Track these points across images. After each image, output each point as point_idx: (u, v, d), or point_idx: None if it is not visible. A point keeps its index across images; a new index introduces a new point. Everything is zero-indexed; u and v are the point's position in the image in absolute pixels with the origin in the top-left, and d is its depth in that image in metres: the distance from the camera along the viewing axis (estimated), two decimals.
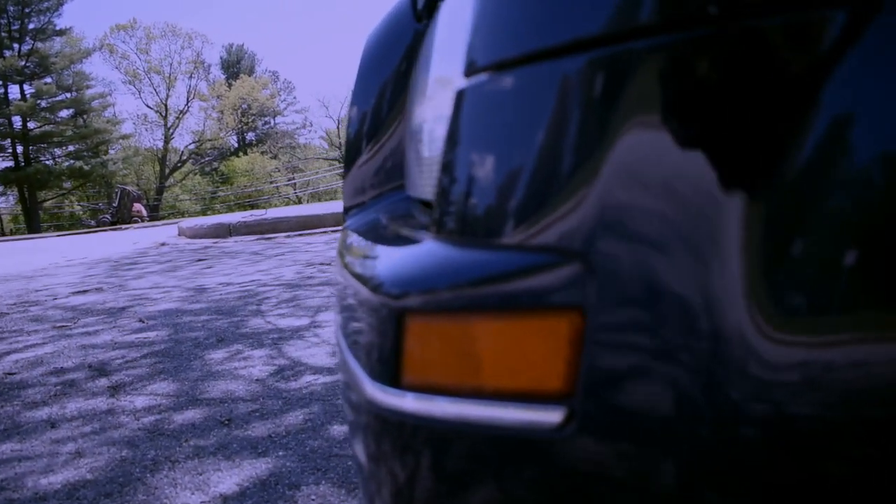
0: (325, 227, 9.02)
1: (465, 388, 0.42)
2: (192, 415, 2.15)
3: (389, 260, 0.51)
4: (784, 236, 0.34)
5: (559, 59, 0.39)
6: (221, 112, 38.14)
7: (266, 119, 41.14)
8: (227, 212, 30.38)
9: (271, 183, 35.93)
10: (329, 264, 5.46)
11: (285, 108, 42.25)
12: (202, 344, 3.08)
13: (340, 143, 40.54)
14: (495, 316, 0.42)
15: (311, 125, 47.99)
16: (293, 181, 37.09)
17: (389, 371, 0.46)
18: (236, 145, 40.74)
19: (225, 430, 2.00)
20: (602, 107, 0.38)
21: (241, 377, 2.52)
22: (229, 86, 38.86)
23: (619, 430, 0.39)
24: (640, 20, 0.37)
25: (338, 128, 41.15)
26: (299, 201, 33.96)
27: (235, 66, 42.08)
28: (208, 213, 32.22)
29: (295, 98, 45.91)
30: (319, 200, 33.45)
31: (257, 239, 8.58)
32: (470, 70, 0.45)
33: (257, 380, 2.47)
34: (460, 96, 0.46)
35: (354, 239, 0.74)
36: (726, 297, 0.35)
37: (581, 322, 0.39)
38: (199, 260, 6.82)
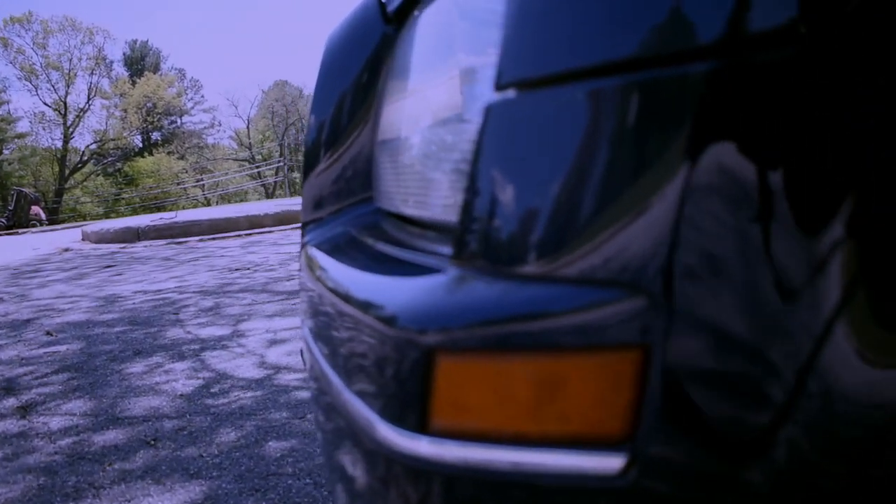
0: (239, 230, 8.76)
1: (508, 433, 0.38)
2: (113, 435, 2.02)
3: (405, 290, 0.47)
4: (873, 264, 0.32)
5: (625, 75, 0.36)
6: (125, 111, 36.62)
7: (172, 118, 39.76)
8: (131, 214, 29.23)
9: (178, 184, 34.76)
10: (248, 269, 5.30)
11: (193, 107, 40.96)
12: (118, 357, 2.91)
13: (250, 144, 39.70)
14: (546, 355, 0.38)
15: (220, 125, 46.71)
16: (201, 182, 36.01)
17: (413, 414, 0.42)
18: (141, 145, 39.19)
19: (152, 451, 1.88)
20: (674, 128, 0.34)
21: (165, 392, 2.39)
22: (133, 83, 37.36)
23: (686, 475, 0.35)
24: (713, 38, 0.34)
25: (247, 127, 40.26)
26: (208, 203, 33.00)
27: (139, 62, 40.50)
28: (112, 215, 30.87)
29: (202, 97, 44.58)
30: (229, 202, 32.63)
31: (168, 243, 8.26)
32: (506, 83, 0.41)
33: (182, 395, 2.35)
34: (494, 112, 0.42)
35: (331, 260, 0.69)
36: (810, 330, 0.33)
37: (645, 361, 0.36)
38: (108, 266, 6.50)
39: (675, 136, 0.34)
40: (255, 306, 3.82)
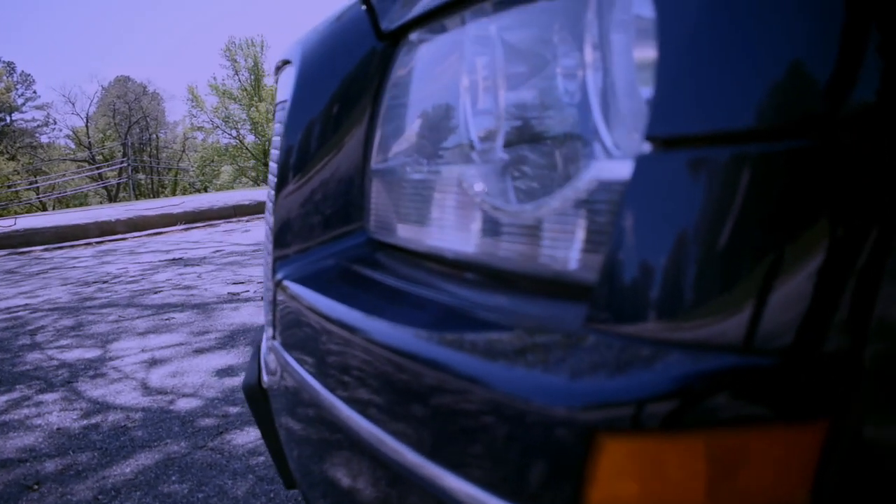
0: (89, 238, 8.14)
1: None
2: None
3: (531, 355, 0.41)
4: None
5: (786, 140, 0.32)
6: None
7: (1, 115, 36.49)
8: None
9: (9, 187, 31.92)
10: (107, 281, 4.92)
11: (24, 104, 37.76)
12: None
13: (90, 143, 37.16)
14: (725, 431, 0.34)
15: (55, 123, 43.28)
16: (36, 185, 33.28)
17: (563, 501, 0.37)
18: None
19: (35, 496, 1.68)
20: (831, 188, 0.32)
21: (38, 427, 2.15)
22: None
23: None
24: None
25: (86, 125, 37.65)
26: (44, 207, 30.54)
27: None
28: None
29: (35, 93, 41.02)
30: (68, 206, 30.34)
31: (9, 254, 7.52)
32: (664, 137, 0.37)
33: (60, 429, 2.13)
34: (649, 164, 0.37)
35: (372, 307, 0.61)
36: None
37: (832, 430, 0.34)
38: None
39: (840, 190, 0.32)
40: (124, 323, 3.55)
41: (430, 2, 0.63)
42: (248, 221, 9.20)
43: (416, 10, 0.65)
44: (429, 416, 0.48)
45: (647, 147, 0.39)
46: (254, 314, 3.51)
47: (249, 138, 38.13)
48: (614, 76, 0.48)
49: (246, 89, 37.37)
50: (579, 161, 0.49)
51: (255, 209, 10.09)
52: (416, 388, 0.50)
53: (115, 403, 2.33)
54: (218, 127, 37.77)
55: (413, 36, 0.69)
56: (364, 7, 0.76)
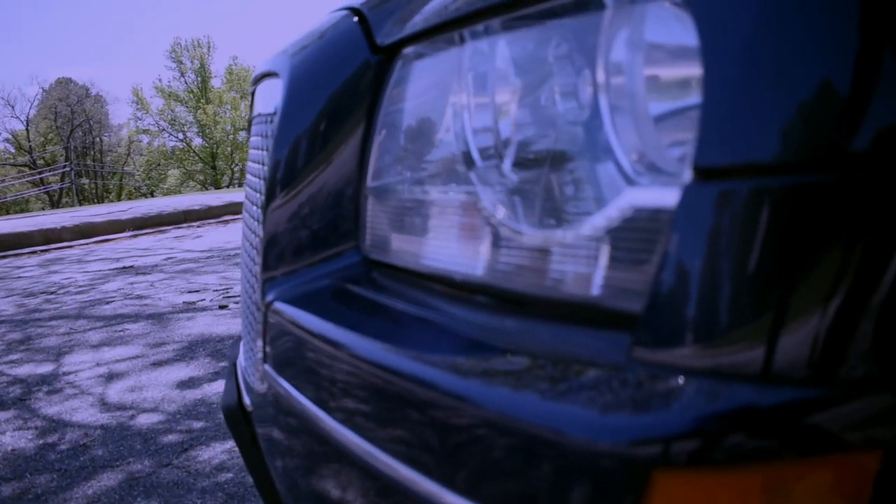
0: (33, 246, 7.88)
1: None
2: None
3: (569, 387, 0.40)
4: None
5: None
6: None
7: None
8: None
9: None
10: (55, 292, 4.77)
11: None
12: None
13: (31, 147, 36.03)
14: (781, 463, 0.34)
15: None
16: None
17: None
18: None
19: None
20: None
21: None
22: None
23: None
24: None
25: (27, 129, 36.49)
26: None
27: None
28: None
29: None
30: (8, 213, 29.37)
31: None
32: (721, 170, 0.36)
33: (15, 451, 2.04)
34: (698, 194, 0.36)
35: (386, 332, 0.59)
36: None
37: (882, 464, 0.33)
38: None
39: None
40: (75, 335, 3.44)
41: (434, 18, 0.61)
42: (199, 227, 9.03)
43: (419, 26, 0.63)
44: (452, 450, 0.46)
45: (688, 175, 0.38)
46: (211, 324, 3.43)
47: (197, 141, 37.51)
48: (628, 99, 0.47)
49: (192, 91, 36.76)
50: (600, 186, 0.48)
51: (206, 214, 9.91)
52: (438, 420, 0.49)
53: (72, 421, 2.25)
54: (164, 130, 37.07)
55: (410, 50, 0.67)
56: (356, 19, 0.74)
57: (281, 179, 0.75)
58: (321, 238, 0.73)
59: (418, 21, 0.64)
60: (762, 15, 0.36)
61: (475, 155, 0.60)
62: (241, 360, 1.11)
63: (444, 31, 0.61)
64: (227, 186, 35.34)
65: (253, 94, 1.12)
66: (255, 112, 1.03)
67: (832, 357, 0.33)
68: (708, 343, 0.35)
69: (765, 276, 0.35)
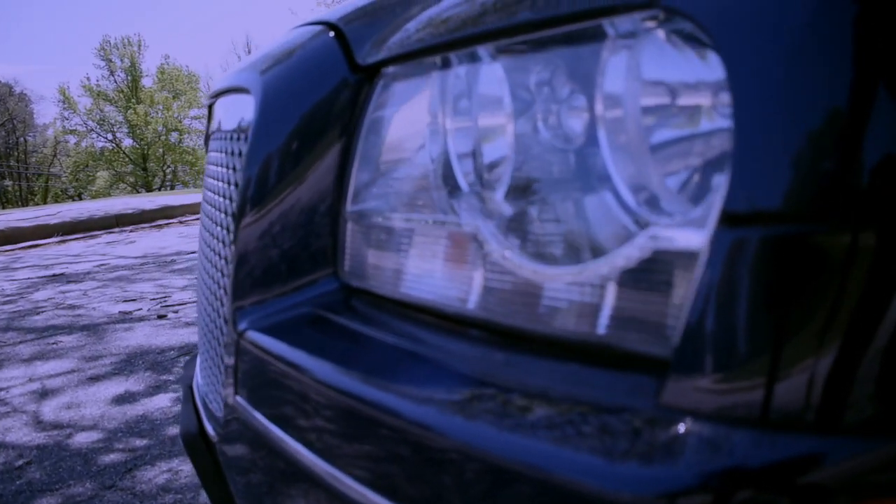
0: None
1: None
2: None
3: (594, 434, 0.38)
4: None
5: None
6: None
7: None
8: None
9: None
10: None
11: None
12: None
13: None
14: None
15: None
16: None
17: None
18: None
19: None
20: None
21: None
22: None
23: None
24: None
25: None
26: None
27: None
28: None
29: None
30: None
31: None
32: (750, 216, 0.35)
33: None
34: (738, 244, 0.35)
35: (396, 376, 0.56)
36: None
37: None
38: None
39: None
40: (5, 349, 3.28)
41: (423, 40, 0.59)
42: (131, 232, 8.76)
43: (405, 48, 0.61)
44: (453, 498, 0.44)
45: (711, 218, 0.37)
46: (150, 335, 3.32)
47: (127, 142, 36.45)
48: (627, 131, 0.46)
49: (122, 91, 35.73)
50: (606, 222, 0.47)
51: (139, 218, 9.62)
52: (438, 463, 0.47)
53: (4, 442, 2.13)
54: (92, 130, 35.91)
55: (393, 70, 0.64)
56: (332, 34, 0.71)
57: (253, 201, 0.72)
58: (296, 263, 0.70)
59: (404, 42, 0.62)
60: (794, 77, 0.35)
61: (462, 182, 0.58)
62: (199, 383, 1.06)
63: (433, 53, 0.59)
64: (160, 189, 34.48)
65: (211, 108, 1.07)
66: (216, 128, 0.98)
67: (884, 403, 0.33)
68: (750, 394, 0.34)
69: (802, 322, 0.34)
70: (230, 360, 0.73)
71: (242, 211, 0.73)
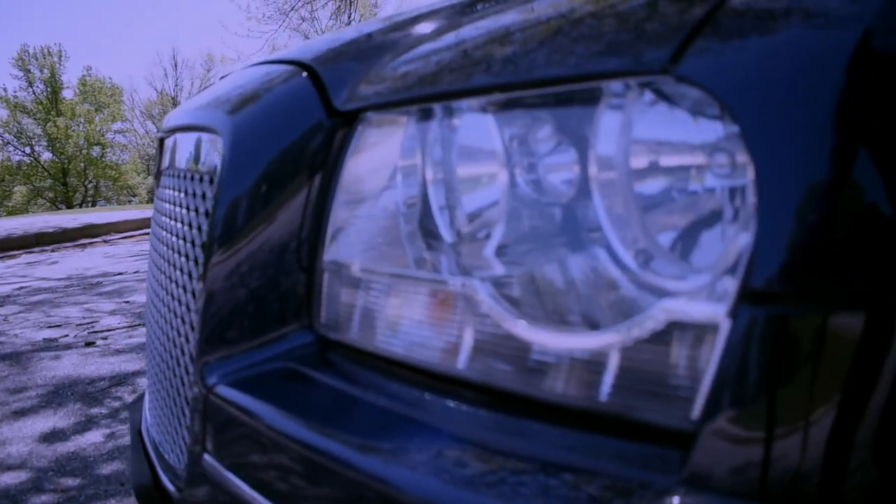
0: None
1: None
2: None
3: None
4: None
5: None
6: None
7: None
8: None
9: None
10: None
11: None
12: None
13: None
14: None
15: None
16: None
17: None
18: None
19: None
20: None
21: None
22: None
23: None
24: None
25: None
26: None
27: None
28: None
29: None
30: None
31: None
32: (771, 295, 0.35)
33: None
34: (780, 322, 0.35)
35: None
36: None
37: None
38: None
39: None
40: None
41: (410, 89, 0.57)
42: (52, 252, 8.40)
43: (392, 97, 0.59)
44: None
45: (729, 295, 0.37)
46: (78, 364, 3.17)
47: (46, 155, 35.09)
48: (622, 192, 0.45)
49: (42, 102, 34.42)
50: (609, 288, 0.46)
51: (61, 237, 9.25)
52: None
53: None
54: (9, 143, 34.41)
55: (374, 116, 0.62)
56: (305, 74, 0.69)
57: (223, 248, 0.68)
58: (268, 314, 0.67)
59: (390, 89, 0.60)
60: (820, 160, 0.35)
61: (447, 235, 0.56)
62: (150, 429, 1.01)
63: (421, 103, 0.57)
64: (80, 205, 33.28)
65: (162, 141, 1.03)
66: (168, 164, 0.94)
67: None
68: (775, 465, 0.34)
69: (826, 400, 0.34)
70: (197, 416, 0.69)
71: (210, 257, 0.69)
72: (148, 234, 9.40)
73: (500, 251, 0.53)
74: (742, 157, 0.38)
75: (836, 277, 0.34)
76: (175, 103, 35.32)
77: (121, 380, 2.87)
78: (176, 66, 36.76)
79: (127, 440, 2.21)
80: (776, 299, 0.36)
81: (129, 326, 3.83)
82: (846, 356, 0.33)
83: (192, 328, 0.76)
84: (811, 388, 0.34)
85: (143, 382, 2.78)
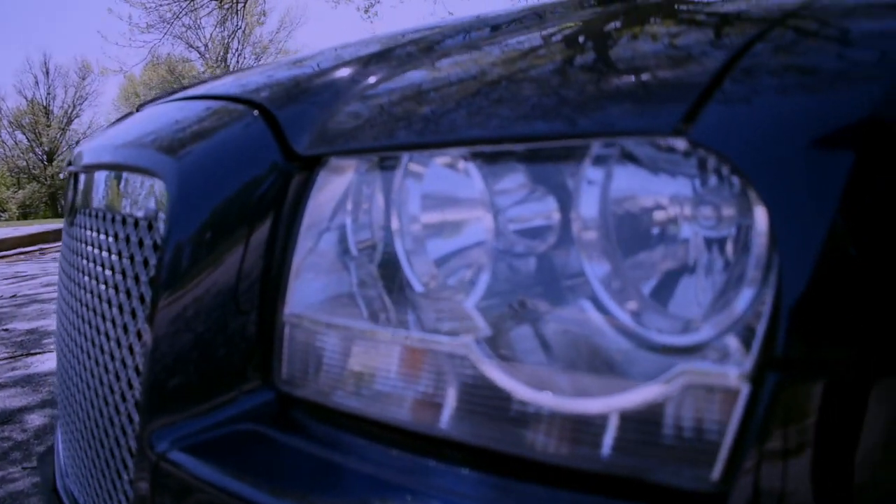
0: None
1: None
2: None
3: None
4: None
5: None
6: None
7: None
8: None
9: None
10: None
11: None
12: None
13: None
14: None
15: None
16: None
17: None
18: None
19: None
20: None
21: None
22: None
23: None
24: None
25: None
26: None
27: None
28: None
29: None
30: None
31: None
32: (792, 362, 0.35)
33: None
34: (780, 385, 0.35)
35: None
36: None
37: None
38: None
39: None
40: None
41: (380, 139, 0.55)
42: None
43: (360, 144, 0.56)
44: None
45: (747, 362, 0.37)
46: (7, 399, 2.92)
47: None
48: (606, 249, 0.45)
49: None
50: (610, 347, 0.45)
51: None
52: None
53: None
54: None
55: (336, 161, 0.59)
56: (256, 112, 0.65)
57: (170, 301, 0.63)
58: (224, 372, 0.62)
59: (356, 136, 0.57)
60: (839, 230, 0.35)
61: (418, 286, 0.54)
62: (70, 490, 0.93)
63: (388, 150, 0.55)
64: None
65: (75, 177, 0.95)
66: (84, 202, 0.87)
67: None
68: None
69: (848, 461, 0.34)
70: (142, 485, 0.64)
71: (157, 313, 0.64)
72: (23, 255, 8.82)
73: (482, 305, 0.51)
74: (759, 220, 0.38)
75: (859, 340, 0.34)
76: (48, 112, 33.39)
77: (7, 417, 2.65)
78: (48, 73, 34.62)
79: (21, 485, 2.04)
80: (798, 364, 0.36)
81: (11, 357, 3.56)
82: (879, 422, 0.33)
83: (130, 385, 0.70)
84: (839, 451, 0.34)
85: (32, 419, 2.59)
